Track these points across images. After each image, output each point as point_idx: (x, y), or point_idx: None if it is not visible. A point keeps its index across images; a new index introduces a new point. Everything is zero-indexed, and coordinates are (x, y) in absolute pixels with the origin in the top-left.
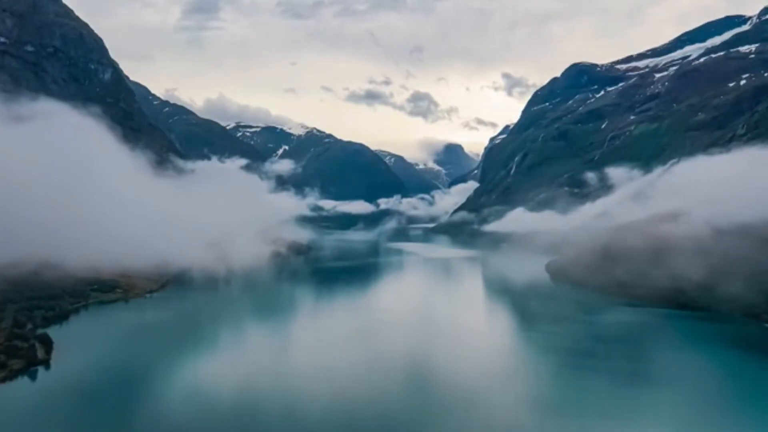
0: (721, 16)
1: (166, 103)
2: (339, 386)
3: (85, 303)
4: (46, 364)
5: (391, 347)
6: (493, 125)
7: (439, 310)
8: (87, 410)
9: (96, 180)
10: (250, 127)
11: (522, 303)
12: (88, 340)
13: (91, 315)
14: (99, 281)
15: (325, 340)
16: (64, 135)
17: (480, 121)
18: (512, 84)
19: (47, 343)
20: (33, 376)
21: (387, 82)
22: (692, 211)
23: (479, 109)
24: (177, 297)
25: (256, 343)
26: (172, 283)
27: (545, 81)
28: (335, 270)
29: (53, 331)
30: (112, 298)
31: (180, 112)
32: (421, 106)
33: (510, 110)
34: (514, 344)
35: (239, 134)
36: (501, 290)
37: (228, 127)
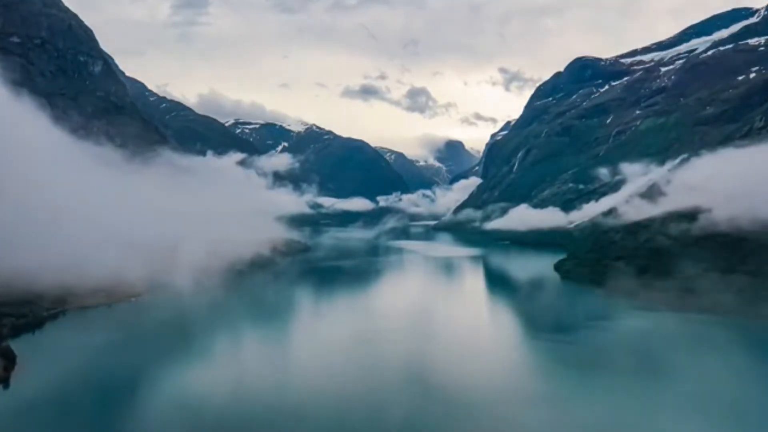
0: (717, 10)
1: (163, 99)
2: (333, 399)
3: (63, 309)
4: (4, 382)
5: (390, 358)
6: (493, 121)
7: (443, 317)
8: None
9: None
10: (249, 123)
11: (531, 306)
12: (59, 352)
13: (69, 321)
14: (80, 284)
15: (321, 347)
16: None
17: (479, 117)
18: (510, 78)
19: (9, 358)
20: None
21: (382, 77)
22: (714, 208)
23: (477, 105)
24: (164, 301)
25: (248, 352)
26: (158, 286)
27: (542, 75)
28: (334, 270)
29: (22, 342)
30: (93, 302)
31: (177, 108)
32: (419, 101)
33: (509, 105)
34: (525, 355)
35: (238, 131)
36: (508, 292)
37: (227, 124)
